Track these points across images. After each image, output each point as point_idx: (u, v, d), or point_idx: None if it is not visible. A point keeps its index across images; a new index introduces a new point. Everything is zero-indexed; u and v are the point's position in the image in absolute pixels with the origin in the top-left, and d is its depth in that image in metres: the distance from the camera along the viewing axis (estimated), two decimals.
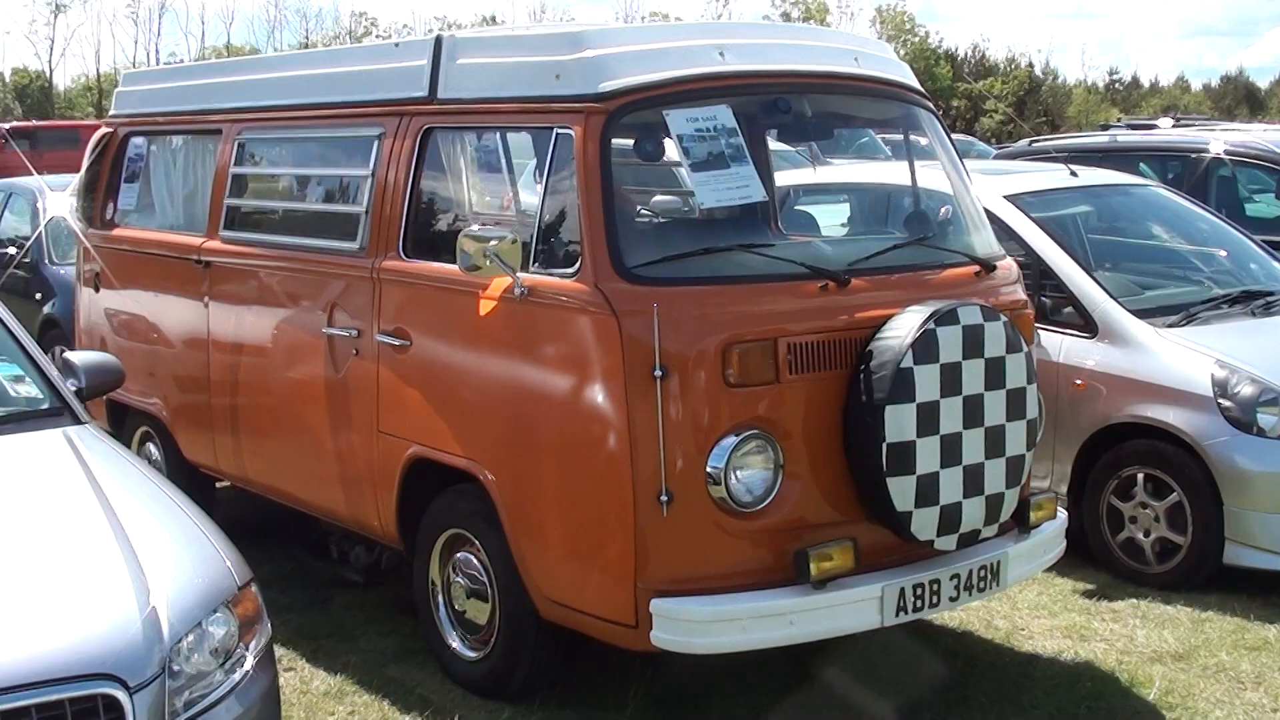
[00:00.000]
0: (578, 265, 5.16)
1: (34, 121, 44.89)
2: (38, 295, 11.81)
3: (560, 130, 5.33)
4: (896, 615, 5.19)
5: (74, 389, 5.33)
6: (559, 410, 5.23)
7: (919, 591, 5.24)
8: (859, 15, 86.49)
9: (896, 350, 5.06)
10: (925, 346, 5.08)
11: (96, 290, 8.44)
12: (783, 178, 7.86)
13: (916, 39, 69.67)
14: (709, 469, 4.96)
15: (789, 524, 5.10)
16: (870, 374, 5.08)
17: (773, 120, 6.03)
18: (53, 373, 5.34)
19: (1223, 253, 8.61)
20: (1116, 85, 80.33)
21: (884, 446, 5.04)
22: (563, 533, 5.29)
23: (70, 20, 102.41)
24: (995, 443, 5.32)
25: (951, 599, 5.39)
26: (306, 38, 71.20)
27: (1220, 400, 6.97)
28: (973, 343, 5.22)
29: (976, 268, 5.77)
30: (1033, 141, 12.74)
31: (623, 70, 5.31)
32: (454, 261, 5.33)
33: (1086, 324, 7.50)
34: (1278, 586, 7.00)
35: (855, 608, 5.13)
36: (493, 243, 5.19)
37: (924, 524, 5.16)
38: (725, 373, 4.96)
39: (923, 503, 5.13)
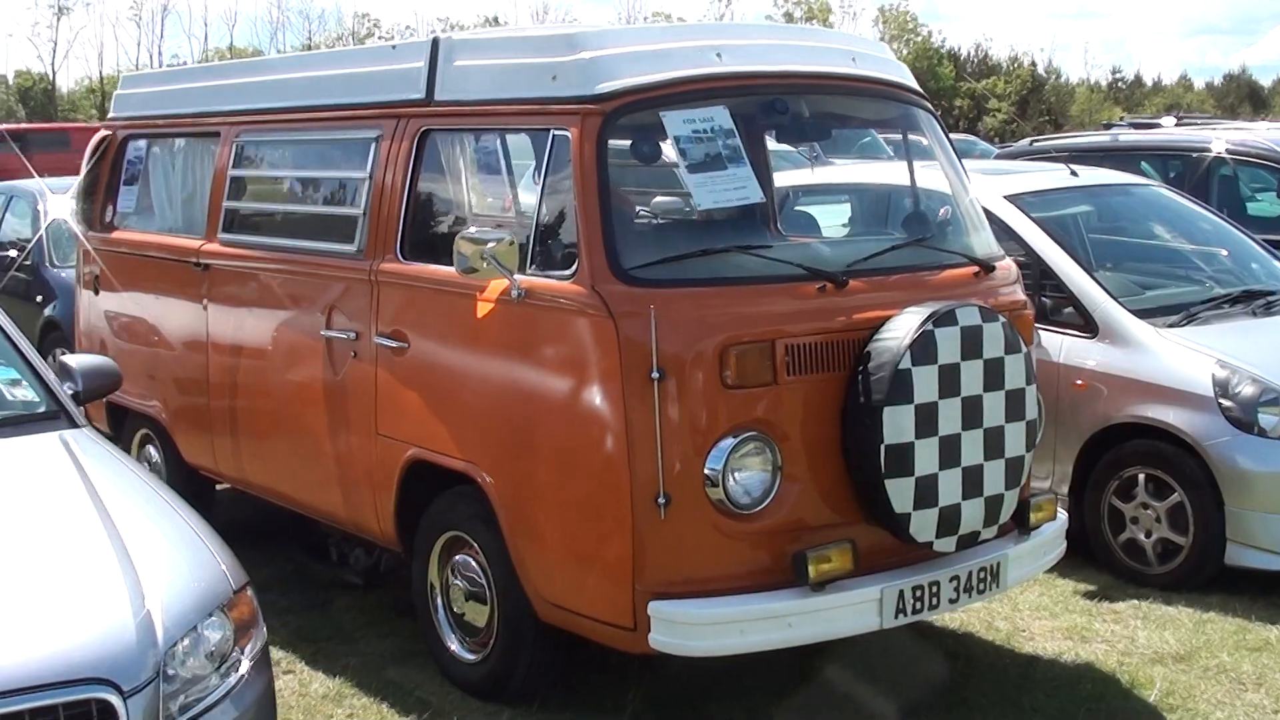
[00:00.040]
0: (574, 267, 5.14)
1: (23, 124, 44.82)
2: (39, 298, 11.81)
3: (557, 132, 5.32)
4: (895, 617, 5.18)
5: (70, 392, 5.33)
6: (556, 412, 5.22)
7: (918, 593, 5.23)
8: (861, 15, 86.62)
9: (895, 351, 5.05)
10: (923, 348, 5.07)
11: (96, 293, 8.44)
12: (783, 178, 7.85)
13: (919, 39, 69.62)
14: (707, 471, 4.95)
15: (787, 526, 5.08)
16: (868, 375, 5.07)
17: (770, 121, 6.01)
18: (49, 376, 5.34)
19: (1224, 252, 8.59)
20: (1119, 84, 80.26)
21: (882, 448, 5.02)
22: (560, 535, 5.28)
23: (73, 23, 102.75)
24: (994, 444, 5.31)
25: (951, 601, 5.38)
26: (309, 39, 71.21)
27: (1221, 400, 6.95)
28: (971, 344, 5.20)
29: (975, 268, 5.76)
30: (1034, 141, 12.73)
31: (619, 71, 5.30)
32: (451, 264, 5.33)
33: (1087, 324, 7.48)
34: (1279, 587, 6.98)
35: (854, 610, 5.11)
36: (490, 245, 5.18)
37: (923, 526, 5.14)
38: (723, 374, 4.95)
39: (921, 504, 5.11)
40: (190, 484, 7.65)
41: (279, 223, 7.28)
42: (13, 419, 5.17)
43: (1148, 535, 7.19)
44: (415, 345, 5.85)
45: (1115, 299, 7.50)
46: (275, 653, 6.23)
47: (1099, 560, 7.36)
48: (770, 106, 5.77)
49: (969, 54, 72.56)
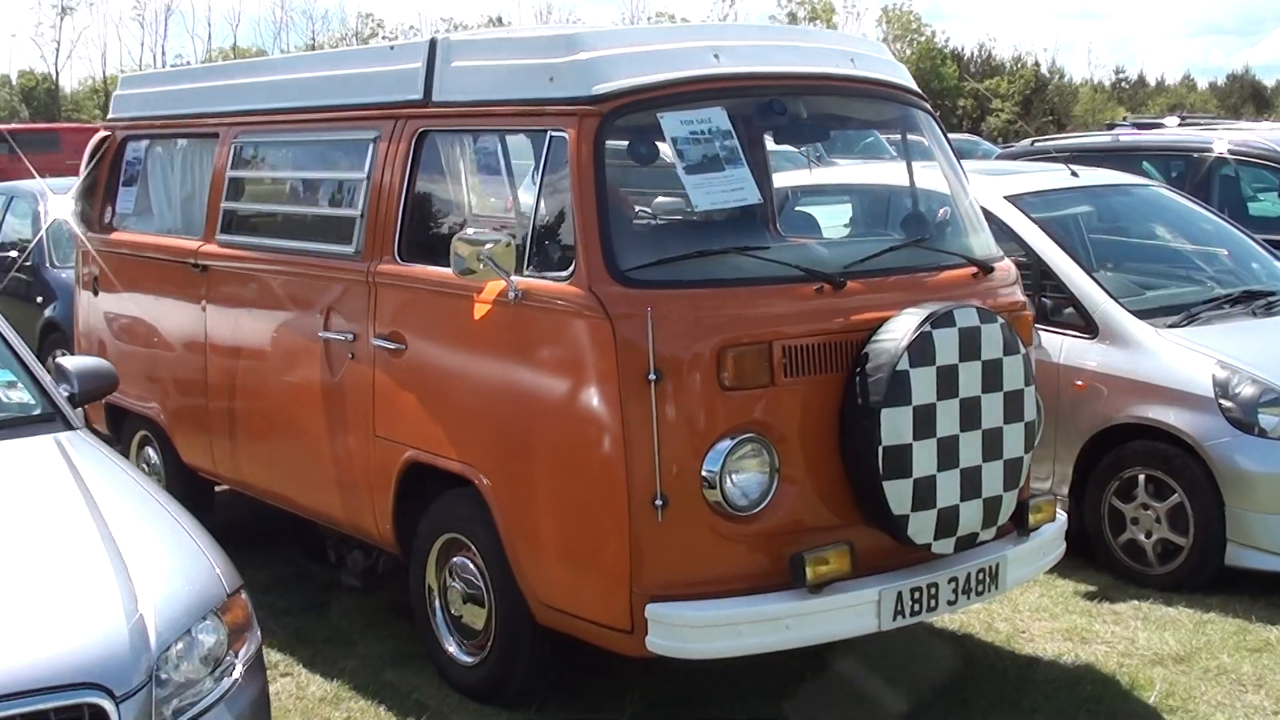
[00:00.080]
0: (572, 268, 5.13)
1: (12, 125, 44.87)
2: (39, 299, 11.80)
3: (554, 133, 5.31)
4: (894, 619, 5.16)
5: (66, 394, 5.31)
6: (553, 414, 5.20)
7: (916, 595, 5.21)
8: (865, 15, 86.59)
9: (892, 353, 5.03)
10: (921, 349, 5.05)
11: (95, 294, 8.43)
12: (783, 179, 7.84)
13: (923, 39, 69.60)
14: (704, 473, 4.93)
15: (785, 528, 5.06)
16: (866, 377, 5.05)
17: (768, 122, 5.99)
18: (45, 378, 5.32)
19: (1224, 252, 8.57)
20: (1123, 84, 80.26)
21: (880, 450, 5.00)
22: (558, 537, 5.27)
23: (76, 23, 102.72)
24: (992, 445, 5.29)
25: (950, 603, 5.36)
26: (313, 39, 71.27)
27: (1221, 401, 6.94)
28: (969, 345, 5.19)
29: (974, 269, 5.74)
30: (1035, 141, 12.71)
31: (616, 72, 5.28)
32: (449, 265, 5.31)
33: (1087, 325, 7.47)
34: (1279, 588, 6.96)
35: (852, 612, 5.10)
36: (487, 246, 5.17)
37: (921, 527, 5.13)
38: (720, 376, 4.94)
39: (920, 506, 5.10)
40: (189, 486, 7.67)
41: (277, 224, 7.27)
42: (8, 421, 5.15)
43: (1148, 536, 7.18)
44: (413, 347, 5.84)
45: (1115, 299, 7.48)
46: (273, 655, 6.24)
47: (1099, 561, 7.34)
48: (768, 107, 5.75)
49: (972, 54, 72.58)
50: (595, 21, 66.94)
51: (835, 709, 5.71)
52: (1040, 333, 7.23)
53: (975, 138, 36.09)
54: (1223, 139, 10.92)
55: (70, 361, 5.59)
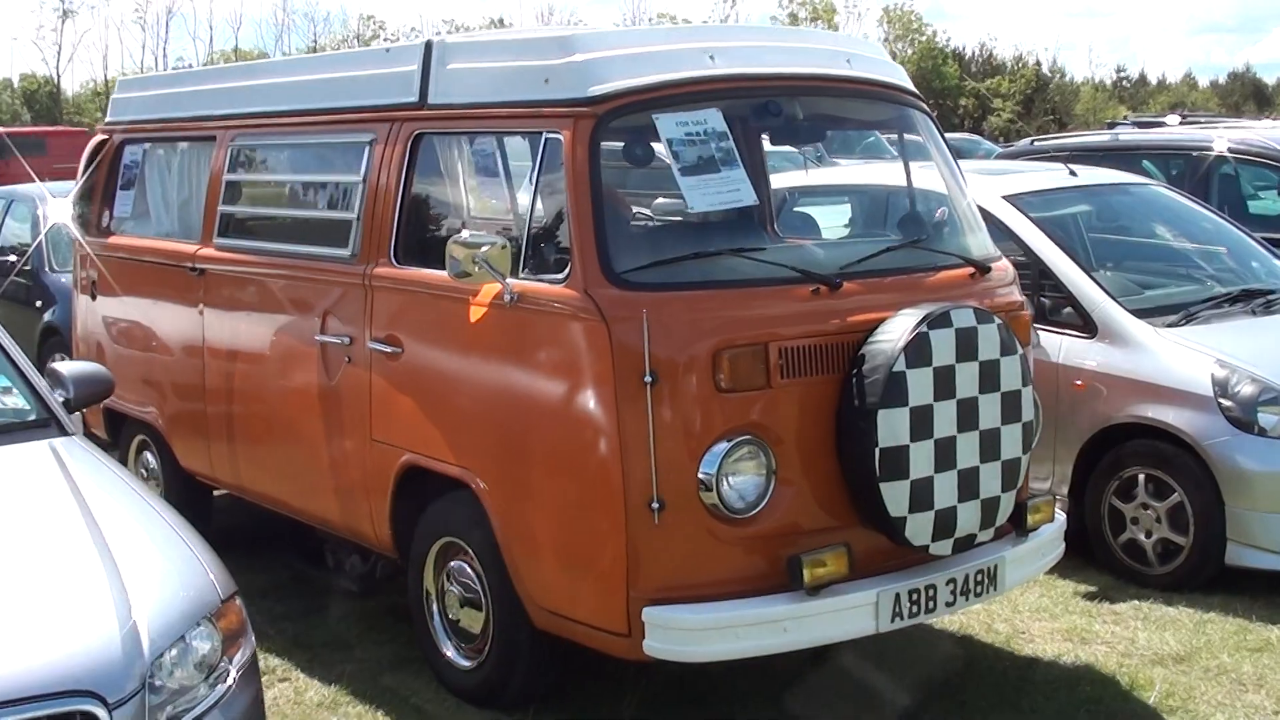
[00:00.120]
0: (567, 271, 5.12)
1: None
2: (38, 303, 11.79)
3: (549, 135, 5.29)
4: (892, 621, 5.14)
5: (62, 400, 5.30)
6: (549, 417, 5.19)
7: (914, 597, 5.19)
8: (866, 15, 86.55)
9: (889, 354, 5.02)
10: (918, 350, 5.04)
11: (93, 298, 8.42)
12: (783, 180, 7.82)
13: (924, 38, 69.54)
14: (701, 475, 4.92)
15: (782, 530, 5.05)
16: (862, 378, 5.04)
17: (764, 123, 5.98)
18: (40, 384, 5.31)
19: (1224, 251, 8.55)
20: (1124, 83, 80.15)
21: (877, 451, 4.99)
22: (554, 541, 5.25)
23: (78, 26, 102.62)
24: (990, 446, 5.28)
25: (948, 604, 5.34)
26: (315, 41, 71.23)
27: (1221, 400, 6.92)
28: (966, 345, 5.17)
29: (971, 269, 5.73)
30: (1035, 140, 12.69)
31: (611, 74, 5.27)
32: (444, 268, 5.30)
33: (1086, 324, 7.45)
34: None
35: (850, 614, 5.08)
36: (482, 249, 5.16)
37: (918, 529, 5.11)
38: (716, 378, 4.92)
39: (917, 508, 5.08)
40: (187, 490, 7.67)
41: (274, 227, 7.27)
42: (2, 427, 5.14)
43: (1148, 535, 7.16)
44: (409, 350, 5.83)
45: (1114, 299, 7.47)
46: (271, 660, 6.24)
47: (1099, 561, 7.33)
48: (764, 108, 5.74)
49: (974, 53, 72.49)
50: (597, 23, 67.02)
51: (834, 711, 5.69)
52: (1039, 332, 7.22)
53: (976, 137, 36.13)
54: (1222, 137, 10.89)
55: (65, 367, 5.57)
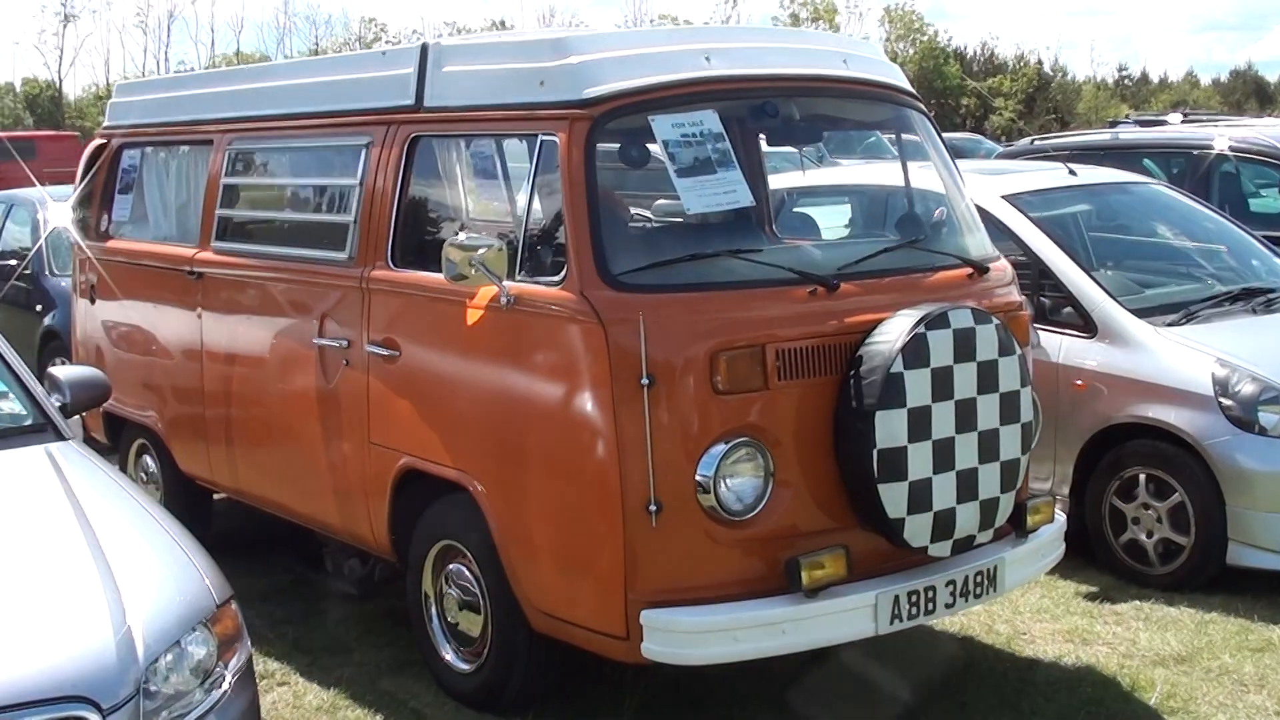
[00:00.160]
0: (563, 273, 5.11)
1: None
2: (38, 307, 11.79)
3: (545, 137, 5.29)
4: (891, 623, 5.13)
5: (58, 404, 5.30)
6: (547, 420, 5.18)
7: (914, 599, 5.18)
8: (868, 15, 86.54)
9: (886, 355, 5.00)
10: (916, 351, 5.02)
11: (92, 302, 8.42)
12: (781, 180, 7.81)
13: (925, 38, 69.49)
14: (698, 477, 4.90)
15: (780, 532, 5.04)
16: (860, 379, 5.03)
17: (761, 124, 5.98)
18: (36, 388, 5.31)
19: (1224, 250, 8.53)
20: (1126, 81, 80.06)
21: (875, 452, 4.98)
22: (552, 544, 5.24)
23: (79, 30, 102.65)
24: (989, 447, 5.26)
25: (948, 606, 5.33)
26: (316, 44, 71.26)
27: (1221, 399, 6.90)
28: (964, 346, 5.16)
29: (969, 270, 5.71)
30: (1035, 139, 12.68)
31: (607, 76, 5.26)
32: (441, 270, 5.29)
33: (1086, 324, 7.44)
34: None
35: (849, 616, 5.07)
36: (479, 251, 5.15)
37: (917, 530, 5.10)
38: (713, 380, 4.91)
39: (915, 509, 5.07)
40: (187, 494, 7.67)
41: (271, 230, 7.26)
42: None
43: (1149, 536, 7.15)
44: (406, 353, 5.82)
45: (1114, 298, 7.45)
46: (270, 664, 6.24)
47: (1100, 561, 7.31)
48: (760, 109, 5.73)
49: (975, 53, 72.43)
50: (598, 24, 67.03)
51: (834, 713, 5.68)
52: (1039, 332, 7.21)
53: (978, 136, 36.07)
54: (1223, 136, 10.87)
55: (62, 371, 5.56)
